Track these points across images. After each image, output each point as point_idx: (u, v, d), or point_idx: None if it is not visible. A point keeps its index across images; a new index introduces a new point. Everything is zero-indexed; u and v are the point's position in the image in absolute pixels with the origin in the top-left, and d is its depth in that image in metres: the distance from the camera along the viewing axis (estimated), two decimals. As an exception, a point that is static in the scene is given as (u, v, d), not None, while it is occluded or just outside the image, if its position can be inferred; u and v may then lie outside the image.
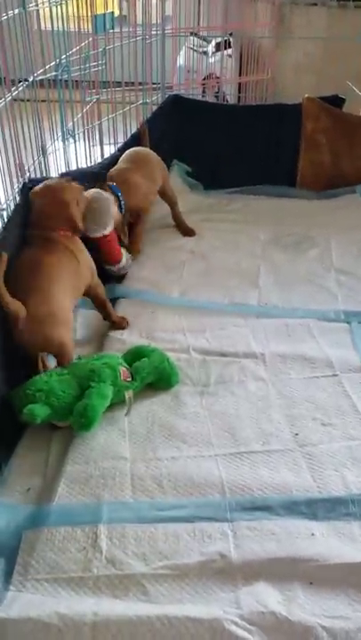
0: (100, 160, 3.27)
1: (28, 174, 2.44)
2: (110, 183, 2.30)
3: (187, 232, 2.70)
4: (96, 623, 1.11)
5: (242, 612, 1.14)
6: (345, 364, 1.87)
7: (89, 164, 3.15)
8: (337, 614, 1.16)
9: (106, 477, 1.46)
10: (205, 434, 1.61)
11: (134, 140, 2.77)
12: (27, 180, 2.07)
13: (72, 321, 1.80)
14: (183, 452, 1.54)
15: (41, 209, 1.86)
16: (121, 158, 2.54)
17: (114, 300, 2.16)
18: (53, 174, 2.74)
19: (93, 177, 2.35)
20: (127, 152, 2.58)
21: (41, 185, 1.91)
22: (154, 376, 1.74)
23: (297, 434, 1.61)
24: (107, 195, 2.13)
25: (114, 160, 2.56)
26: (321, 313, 2.15)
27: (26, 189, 1.97)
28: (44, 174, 2.63)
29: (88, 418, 1.53)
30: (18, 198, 2.02)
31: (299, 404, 1.71)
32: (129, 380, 1.69)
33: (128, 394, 1.66)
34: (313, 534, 1.32)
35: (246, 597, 1.18)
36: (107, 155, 3.30)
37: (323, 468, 1.49)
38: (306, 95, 3.11)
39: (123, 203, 2.30)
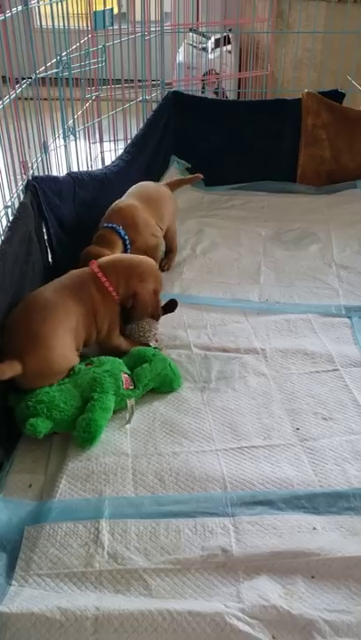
0: (100, 157, 3.28)
1: (31, 172, 2.44)
2: (115, 225, 2.10)
3: (163, 267, 2.41)
4: (98, 618, 1.11)
5: (243, 606, 1.15)
6: (346, 358, 1.87)
7: (90, 162, 3.16)
8: (339, 608, 1.16)
9: (107, 473, 1.47)
10: (207, 429, 1.61)
11: (138, 139, 2.77)
12: (30, 178, 2.08)
13: (74, 363, 1.67)
14: (185, 448, 1.54)
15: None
16: (129, 191, 2.32)
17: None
18: (55, 172, 2.75)
19: (100, 181, 2.35)
20: (138, 186, 2.36)
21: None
22: (156, 383, 1.72)
23: (298, 428, 1.61)
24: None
25: (121, 165, 2.54)
26: (322, 308, 2.15)
27: (30, 186, 1.98)
28: (47, 172, 2.63)
29: (91, 433, 1.52)
30: (22, 196, 2.02)
31: (300, 399, 1.71)
32: (131, 387, 1.66)
33: (130, 402, 1.65)
34: (315, 528, 1.32)
35: (248, 591, 1.18)
36: (107, 152, 3.31)
37: (324, 462, 1.50)
38: (306, 90, 3.10)
39: (129, 244, 2.11)
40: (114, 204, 2.20)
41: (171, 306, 1.95)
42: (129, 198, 2.26)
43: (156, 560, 1.25)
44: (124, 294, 1.77)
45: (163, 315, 1.92)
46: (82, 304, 1.69)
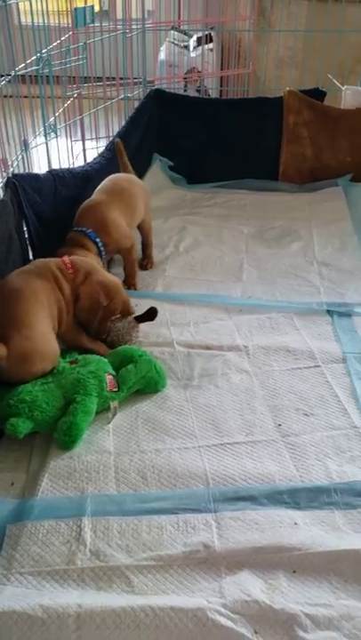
0: (81, 155, 3.27)
1: (11, 169, 2.43)
2: (86, 229, 2.05)
3: (145, 266, 2.41)
4: (80, 615, 1.11)
5: (225, 602, 1.15)
6: (327, 355, 1.89)
7: (71, 160, 3.15)
8: (320, 602, 1.17)
9: (90, 471, 1.46)
10: (189, 426, 1.61)
11: (120, 137, 2.76)
12: (10, 175, 2.06)
13: (57, 349, 1.68)
14: (167, 445, 1.55)
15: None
16: (101, 186, 2.26)
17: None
18: (36, 170, 2.73)
19: (81, 178, 2.33)
20: (108, 179, 2.29)
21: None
22: (141, 385, 1.71)
23: (280, 424, 1.62)
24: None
25: (102, 162, 2.53)
26: (304, 305, 2.16)
27: (10, 184, 1.96)
28: (27, 170, 2.62)
29: (72, 437, 1.51)
30: (2, 193, 2.01)
31: (282, 395, 1.73)
32: (115, 389, 1.65)
33: (113, 404, 1.64)
34: (296, 523, 1.33)
35: (230, 587, 1.19)
36: (89, 150, 3.29)
37: (305, 457, 1.51)
38: (287, 88, 3.12)
39: (102, 250, 2.06)
40: (85, 203, 2.16)
41: (150, 314, 1.93)
42: (100, 195, 2.20)
43: (138, 557, 1.25)
44: (73, 291, 1.78)
45: (142, 322, 1.92)
46: (46, 282, 1.71)
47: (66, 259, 1.81)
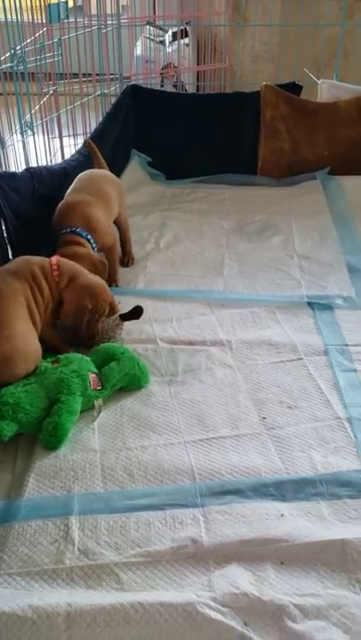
0: (59, 152, 3.25)
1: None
2: (75, 227, 2.04)
3: (127, 263, 2.41)
4: (70, 613, 1.11)
5: (215, 595, 1.16)
6: (309, 347, 1.90)
7: (49, 157, 3.12)
8: (308, 592, 1.18)
9: (76, 470, 1.46)
10: (175, 422, 1.62)
11: (97, 134, 2.75)
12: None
13: (39, 348, 1.68)
14: (153, 441, 1.55)
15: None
16: (76, 184, 2.23)
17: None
18: (13, 168, 2.71)
19: (59, 176, 2.31)
20: (83, 176, 2.27)
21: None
22: (124, 382, 1.70)
23: (264, 417, 1.63)
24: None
25: (80, 159, 2.51)
26: (285, 299, 2.17)
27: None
28: (4, 168, 2.59)
29: (57, 437, 1.51)
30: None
31: (265, 389, 1.74)
32: (99, 388, 1.65)
33: (98, 402, 1.64)
34: (282, 515, 1.34)
35: (219, 580, 1.19)
36: (66, 147, 3.27)
37: (290, 449, 1.52)
38: (264, 83, 3.12)
39: (94, 247, 2.07)
40: (67, 202, 2.13)
41: (135, 313, 1.93)
42: (80, 194, 2.17)
43: (126, 554, 1.25)
44: (56, 296, 1.77)
45: (127, 320, 1.92)
46: (24, 281, 1.69)
47: (53, 259, 1.79)
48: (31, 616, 1.10)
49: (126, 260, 2.41)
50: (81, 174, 2.29)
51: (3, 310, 1.60)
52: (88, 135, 2.81)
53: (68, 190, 2.20)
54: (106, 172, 2.39)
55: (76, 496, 1.38)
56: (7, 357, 1.56)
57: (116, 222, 2.34)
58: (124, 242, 2.42)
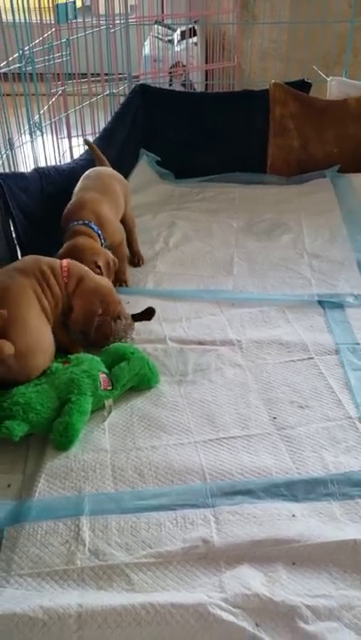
0: (68, 153, 3.25)
1: (-4, 169, 2.42)
2: (88, 221, 2.04)
3: (137, 263, 2.40)
4: (81, 614, 1.11)
5: (226, 596, 1.15)
6: (320, 346, 1.89)
7: (58, 157, 3.13)
8: (320, 593, 1.18)
9: (86, 470, 1.46)
10: (185, 422, 1.61)
11: (106, 133, 2.75)
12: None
13: (53, 342, 1.69)
14: (163, 441, 1.54)
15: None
16: (83, 182, 2.22)
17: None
18: (22, 168, 2.71)
19: (67, 175, 2.32)
20: (90, 174, 2.27)
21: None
22: (134, 382, 1.70)
23: (275, 417, 1.62)
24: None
25: (88, 158, 2.51)
26: (295, 297, 2.16)
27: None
28: (13, 168, 2.60)
29: (68, 437, 1.51)
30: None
31: (276, 388, 1.73)
32: (109, 388, 1.64)
33: (108, 402, 1.64)
34: (294, 515, 1.33)
35: (230, 581, 1.19)
36: (75, 147, 3.28)
37: (301, 449, 1.51)
38: (273, 81, 3.11)
39: (103, 241, 2.07)
40: (77, 199, 2.13)
41: (147, 314, 1.93)
42: (88, 192, 2.17)
43: (137, 554, 1.25)
44: (65, 299, 1.76)
45: (138, 321, 1.92)
46: (33, 278, 1.69)
47: (64, 262, 1.77)
48: (42, 617, 1.10)
49: (136, 260, 2.41)
50: (87, 172, 2.29)
51: (14, 305, 1.61)
52: (97, 135, 2.81)
53: (76, 188, 2.20)
54: (111, 171, 2.39)
55: (87, 496, 1.38)
56: (28, 349, 1.57)
57: (123, 221, 2.33)
58: (132, 241, 2.40)
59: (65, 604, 1.12)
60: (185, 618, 1.11)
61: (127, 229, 2.38)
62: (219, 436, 1.56)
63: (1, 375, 1.56)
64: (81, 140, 3.31)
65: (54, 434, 1.52)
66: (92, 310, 1.76)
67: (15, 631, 1.09)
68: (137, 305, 2.05)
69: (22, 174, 2.15)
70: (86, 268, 1.84)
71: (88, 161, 2.49)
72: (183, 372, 1.80)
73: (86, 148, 2.61)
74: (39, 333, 1.63)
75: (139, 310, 1.96)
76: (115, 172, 2.39)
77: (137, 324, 1.94)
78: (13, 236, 2.07)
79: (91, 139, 2.95)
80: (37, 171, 2.23)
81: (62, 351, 1.75)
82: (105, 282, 1.85)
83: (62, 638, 1.09)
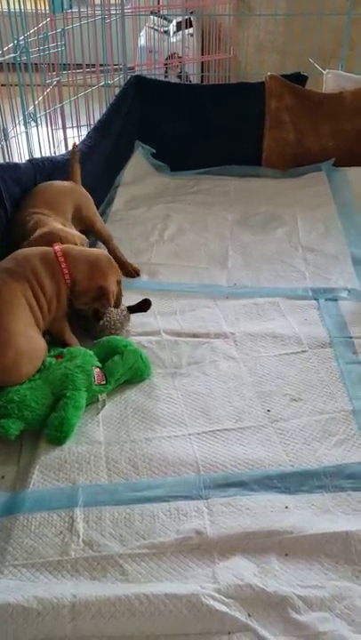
0: (63, 144, 3.24)
1: (-11, 160, 2.40)
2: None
3: (130, 273, 2.24)
4: (75, 605, 1.12)
5: (219, 587, 1.17)
6: (313, 340, 1.90)
7: (53, 148, 3.11)
8: (312, 583, 1.19)
9: (80, 462, 1.47)
10: (179, 414, 1.62)
11: (101, 124, 2.73)
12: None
13: (43, 345, 1.67)
14: (157, 433, 1.55)
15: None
16: (33, 201, 2.04)
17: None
18: (16, 159, 2.70)
19: (61, 167, 2.30)
20: (40, 191, 2.10)
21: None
22: (127, 375, 1.70)
23: (269, 410, 1.63)
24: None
25: (83, 149, 2.49)
26: (290, 291, 2.17)
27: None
28: (7, 159, 2.58)
29: (63, 432, 1.51)
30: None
31: (270, 381, 1.73)
32: (103, 382, 1.64)
33: (102, 397, 1.64)
34: (287, 507, 1.34)
35: (223, 572, 1.20)
36: (70, 138, 3.26)
37: (294, 442, 1.52)
38: (269, 73, 3.10)
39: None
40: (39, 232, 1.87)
41: (143, 305, 1.94)
42: (38, 217, 1.95)
43: (131, 545, 1.26)
44: (85, 287, 1.74)
45: (134, 313, 1.92)
46: (24, 280, 1.65)
47: (58, 250, 1.72)
48: (36, 607, 1.11)
49: (131, 270, 2.25)
50: (38, 187, 2.13)
51: (1, 315, 1.57)
52: (92, 126, 2.79)
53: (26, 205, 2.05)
54: (64, 184, 2.19)
55: (81, 488, 1.39)
56: (13, 363, 1.55)
57: (95, 233, 2.24)
58: (113, 252, 2.20)
59: (59, 595, 1.13)
60: (178, 608, 1.12)
61: (104, 241, 2.27)
62: (213, 428, 1.57)
63: None
64: (76, 131, 3.30)
65: (49, 428, 1.52)
66: (116, 281, 1.78)
67: (10, 621, 1.10)
68: (131, 298, 2.05)
69: (16, 165, 2.13)
70: (79, 248, 1.81)
71: (83, 152, 2.48)
72: (177, 364, 1.81)
73: (82, 139, 2.60)
74: (26, 342, 1.59)
75: (132, 301, 1.96)
76: (69, 185, 2.19)
77: (132, 317, 1.94)
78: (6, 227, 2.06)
79: (85, 130, 2.94)
80: (31, 162, 2.21)
81: (58, 343, 1.75)
82: (98, 251, 1.84)
83: (56, 628, 1.10)
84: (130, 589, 1.14)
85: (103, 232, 2.27)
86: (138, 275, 2.26)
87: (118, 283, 1.83)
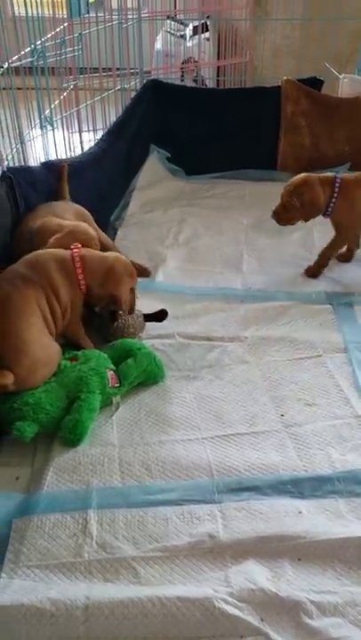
0: (79, 147, 3.25)
1: (6, 163, 2.41)
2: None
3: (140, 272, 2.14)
4: (88, 606, 1.12)
5: (232, 590, 1.17)
6: (328, 344, 1.89)
7: (69, 152, 3.13)
8: (325, 589, 1.19)
9: (94, 464, 1.47)
10: (192, 418, 1.62)
11: (115, 127, 2.75)
12: (5, 169, 2.05)
13: (57, 350, 1.67)
14: (171, 437, 1.55)
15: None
16: (32, 214, 2.03)
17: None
18: (32, 162, 2.72)
19: (75, 169, 2.31)
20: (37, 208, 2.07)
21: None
22: (141, 378, 1.71)
23: (283, 415, 1.63)
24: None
25: (96, 152, 2.50)
26: (304, 295, 2.16)
27: (5, 178, 1.95)
28: (23, 163, 2.60)
29: (77, 434, 1.52)
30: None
31: (284, 386, 1.73)
32: (117, 385, 1.65)
33: (116, 399, 1.65)
34: (300, 512, 1.34)
35: (236, 576, 1.20)
36: (86, 142, 3.28)
37: (308, 447, 1.51)
38: (285, 77, 3.10)
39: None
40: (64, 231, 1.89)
41: (159, 315, 1.94)
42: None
43: (144, 548, 1.26)
44: (98, 294, 1.75)
45: (149, 321, 1.93)
46: (39, 287, 1.64)
47: (76, 255, 1.72)
48: (50, 608, 1.12)
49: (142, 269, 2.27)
50: (44, 205, 2.11)
51: (13, 322, 1.57)
52: (108, 130, 2.81)
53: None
54: (64, 205, 2.17)
55: (95, 490, 1.39)
56: (28, 371, 1.56)
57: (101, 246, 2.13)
58: (108, 246, 2.19)
59: (72, 596, 1.14)
60: (191, 611, 1.12)
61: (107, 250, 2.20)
62: (226, 432, 1.57)
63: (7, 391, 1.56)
64: (92, 135, 3.32)
65: (63, 431, 1.52)
66: (114, 291, 1.76)
67: (23, 621, 1.11)
68: (146, 300, 2.06)
69: (29, 168, 2.15)
70: (96, 254, 1.80)
71: (96, 155, 2.49)
72: (191, 367, 1.81)
73: (97, 140, 2.60)
74: (41, 349, 1.59)
75: (147, 305, 1.97)
76: (68, 205, 2.18)
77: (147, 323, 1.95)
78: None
79: (101, 134, 2.95)
80: (45, 165, 2.23)
81: (72, 345, 1.76)
82: (114, 257, 1.82)
83: (69, 629, 1.10)
84: (143, 592, 1.15)
85: (107, 242, 2.24)
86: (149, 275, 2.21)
87: (132, 290, 1.82)
